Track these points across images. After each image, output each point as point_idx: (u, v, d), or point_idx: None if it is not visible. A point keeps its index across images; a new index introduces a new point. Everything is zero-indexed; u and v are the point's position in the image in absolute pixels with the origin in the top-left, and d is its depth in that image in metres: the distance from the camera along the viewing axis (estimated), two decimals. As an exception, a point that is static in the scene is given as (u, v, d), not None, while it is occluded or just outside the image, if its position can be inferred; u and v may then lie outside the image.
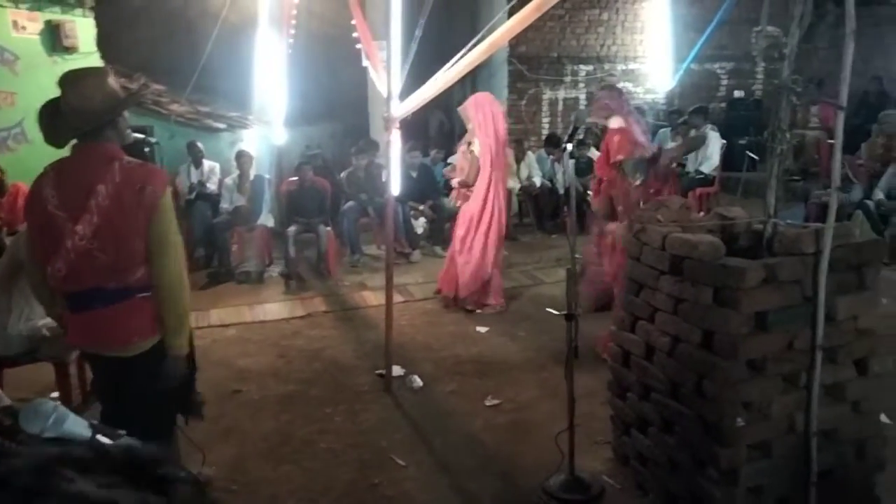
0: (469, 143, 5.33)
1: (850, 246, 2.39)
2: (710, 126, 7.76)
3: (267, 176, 7.13)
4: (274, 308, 5.55)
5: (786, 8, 2.49)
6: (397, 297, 5.39)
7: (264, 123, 7.57)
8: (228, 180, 6.89)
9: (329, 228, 6.50)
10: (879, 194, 5.95)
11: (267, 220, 6.76)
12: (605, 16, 9.49)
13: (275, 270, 6.51)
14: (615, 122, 4.21)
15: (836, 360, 2.40)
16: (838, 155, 2.31)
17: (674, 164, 5.03)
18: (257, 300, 5.75)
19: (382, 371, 4.04)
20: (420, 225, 7.33)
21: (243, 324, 5.21)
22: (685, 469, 2.50)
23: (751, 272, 2.27)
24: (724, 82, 9.90)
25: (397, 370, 4.10)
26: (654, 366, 2.67)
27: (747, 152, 7.86)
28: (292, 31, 6.80)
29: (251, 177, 6.88)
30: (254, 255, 6.51)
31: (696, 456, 2.44)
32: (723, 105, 9.68)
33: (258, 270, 6.38)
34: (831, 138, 2.42)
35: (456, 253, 5.30)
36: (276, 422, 3.62)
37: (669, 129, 8.20)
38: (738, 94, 9.56)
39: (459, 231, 5.29)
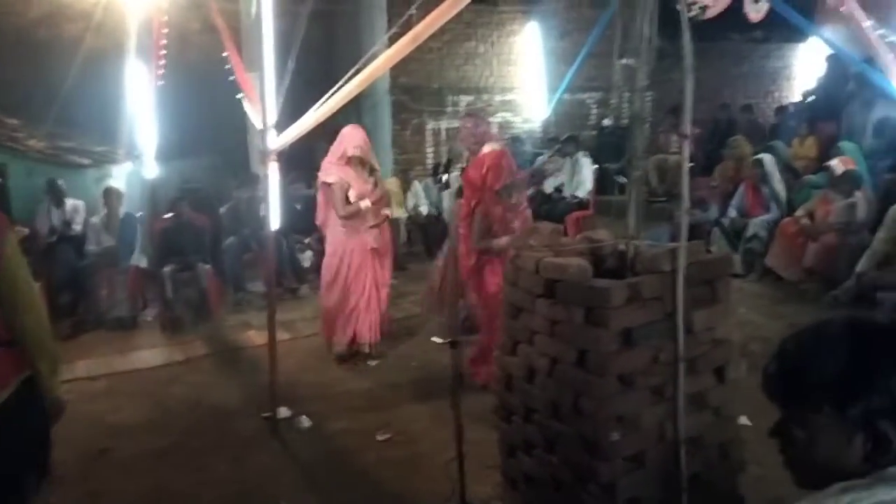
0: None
1: (702, 262, 2.59)
2: (582, 153, 8.21)
3: (138, 213, 6.74)
4: (149, 355, 5.22)
5: (640, 42, 2.69)
6: (283, 335, 5.24)
7: (135, 158, 7.18)
8: (95, 220, 6.46)
9: (209, 266, 6.23)
10: (732, 212, 6.50)
11: (139, 260, 6.37)
12: (481, 48, 9.85)
13: (150, 314, 6.13)
14: (488, 148, 4.27)
15: (697, 369, 2.57)
16: (686, 178, 2.51)
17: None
18: (130, 347, 5.38)
19: (269, 414, 3.89)
20: (307, 258, 7.18)
21: (114, 374, 4.85)
22: (568, 486, 2.57)
23: (616, 291, 2.39)
24: (594, 111, 10.53)
25: (284, 412, 3.96)
26: (535, 387, 2.74)
27: (616, 176, 8.36)
28: (162, 62, 6.52)
29: (121, 215, 6.48)
30: (125, 299, 6.10)
31: (577, 473, 2.52)
32: (593, 132, 10.27)
33: (131, 315, 5.98)
34: (691, 162, 2.66)
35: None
36: (152, 478, 3.38)
37: (545, 155, 8.60)
38: (606, 121, 10.18)
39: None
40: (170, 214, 6.43)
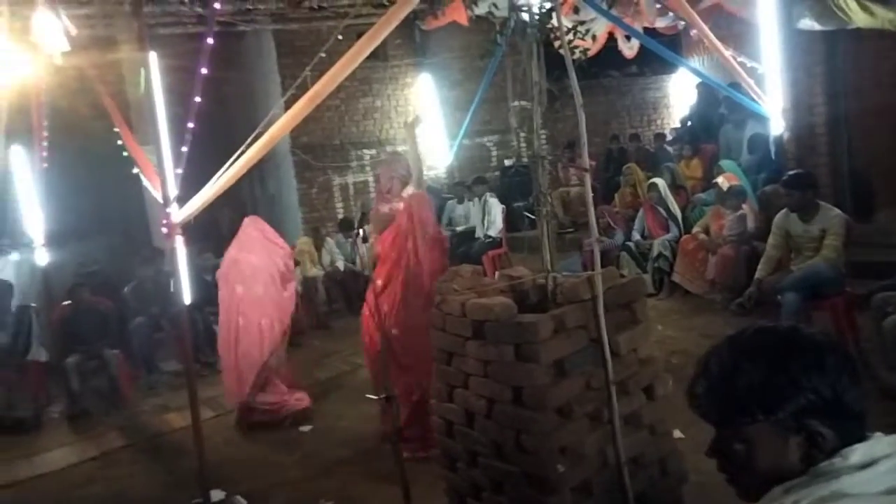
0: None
1: (617, 286, 2.70)
2: (489, 193, 8.44)
3: (33, 304, 6.29)
4: (58, 455, 4.79)
5: (530, 87, 2.84)
6: (207, 413, 4.96)
7: (23, 246, 6.74)
8: (-17, 317, 5.95)
9: (117, 351, 5.86)
10: (636, 235, 6.84)
11: (38, 354, 5.90)
12: (378, 103, 10.03)
13: (55, 411, 5.67)
14: (410, 191, 4.23)
15: (628, 390, 2.65)
16: (591, 210, 2.63)
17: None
18: (35, 450, 4.92)
19: (200, 500, 3.65)
20: (223, 330, 6.90)
21: (18, 483, 4.41)
22: (521, 526, 2.56)
23: (542, 325, 2.45)
24: (494, 153, 10.89)
25: (217, 495, 3.72)
26: (475, 430, 2.74)
27: (524, 213, 8.63)
28: (45, 144, 6.22)
29: (13, 308, 6.02)
30: (26, 398, 5.62)
31: (528, 511, 2.52)
32: (497, 173, 10.60)
33: (33, 414, 5.50)
34: (591, 192, 2.82)
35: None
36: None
37: (455, 200, 8.79)
38: (507, 162, 10.54)
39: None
40: (68, 301, 6.04)
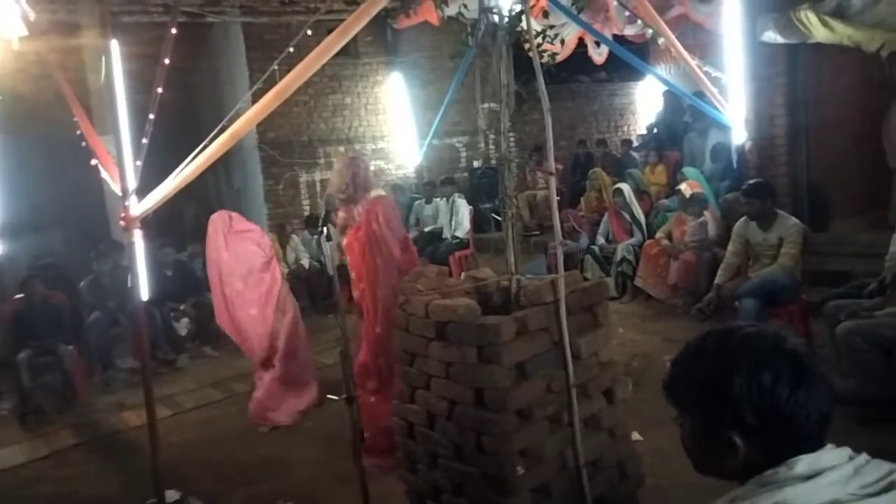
0: None
1: (580, 290, 2.72)
2: (457, 194, 8.45)
3: (-17, 298, 6.09)
4: (7, 454, 4.63)
5: (499, 89, 2.84)
6: (164, 412, 4.87)
7: (-26, 237, 6.49)
8: (-70, 310, 5.74)
9: (72, 346, 5.69)
10: (601, 239, 6.91)
11: (-12, 349, 5.72)
12: (347, 100, 9.95)
13: (4, 407, 5.49)
14: (374, 194, 4.17)
15: (589, 393, 2.67)
16: (556, 214, 2.64)
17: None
18: (-17, 448, 4.77)
19: (154, 500, 3.57)
20: (183, 326, 6.77)
21: (-36, 481, 4.27)
22: (480, 528, 2.55)
23: (505, 327, 2.45)
24: (463, 154, 10.90)
25: (172, 495, 3.64)
26: (436, 432, 2.73)
27: (492, 215, 8.66)
28: (1, 132, 6.02)
29: (-39, 301, 5.81)
30: (-27, 394, 5.44)
31: (487, 513, 2.52)
32: (465, 174, 10.61)
33: (-19, 411, 5.33)
34: (557, 196, 2.83)
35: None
36: None
37: (423, 199, 8.78)
38: (476, 163, 10.56)
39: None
40: (20, 294, 5.84)
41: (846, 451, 1.00)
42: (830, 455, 0.99)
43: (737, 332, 1.06)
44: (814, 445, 0.99)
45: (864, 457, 1.00)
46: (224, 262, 4.67)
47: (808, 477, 0.96)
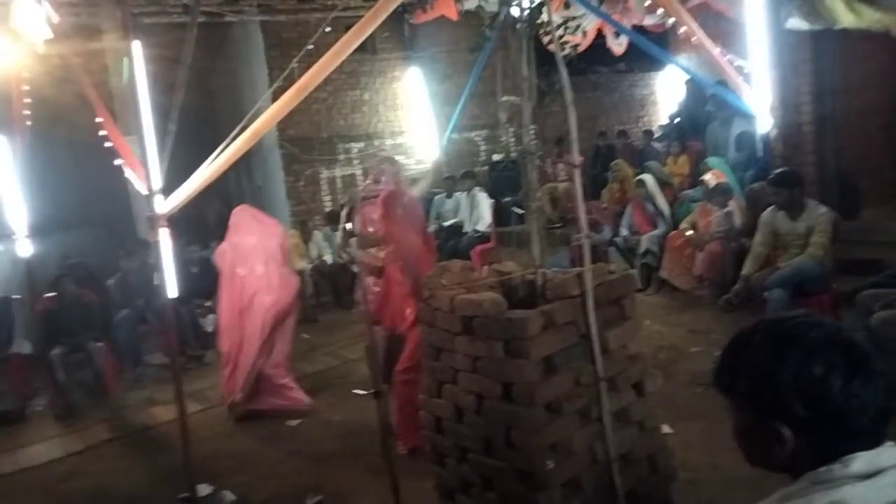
0: None
1: (607, 283, 2.70)
2: (478, 188, 8.44)
3: (16, 296, 6.20)
4: (42, 449, 4.74)
5: (520, 82, 2.82)
6: (193, 407, 4.93)
7: (5, 237, 6.62)
8: (-35, 309, 5.87)
9: (102, 344, 5.79)
10: (624, 231, 6.86)
11: (22, 346, 5.83)
12: (366, 96, 9.97)
13: (39, 403, 5.60)
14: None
15: (618, 387, 2.65)
16: (581, 206, 2.63)
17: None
18: (19, 443, 4.88)
19: (187, 494, 3.62)
20: (210, 322, 6.84)
21: (2, 476, 4.36)
22: (510, 522, 2.56)
23: (532, 321, 2.44)
24: (483, 148, 10.87)
25: (204, 489, 3.70)
26: (465, 426, 2.73)
27: (513, 208, 8.62)
28: (28, 134, 6.11)
29: (-5, 301, 5.94)
30: (9, 390, 5.55)
31: (517, 506, 2.52)
32: (485, 168, 10.58)
33: (17, 407, 5.44)
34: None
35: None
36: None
37: (444, 194, 8.77)
38: (496, 157, 10.52)
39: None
40: (52, 293, 5.96)
41: None
42: (890, 453, 0.94)
43: (789, 320, 1.02)
44: (871, 442, 0.95)
45: None
46: (249, 243, 4.77)
47: (867, 476, 0.92)
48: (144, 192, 3.67)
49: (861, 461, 0.93)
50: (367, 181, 4.38)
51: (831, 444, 0.95)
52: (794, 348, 0.98)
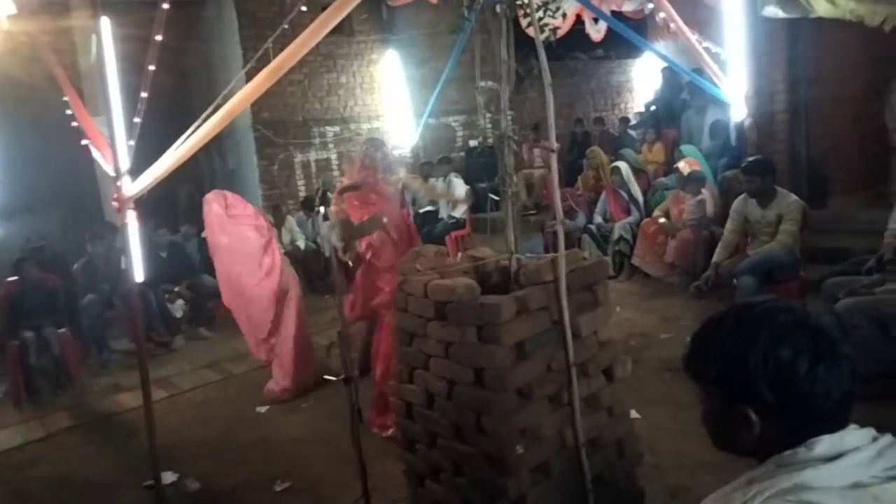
0: None
1: (580, 269, 2.69)
2: (454, 174, 8.39)
3: (-24, 280, 6.02)
4: (1, 436, 4.62)
5: (499, 66, 2.78)
6: (160, 393, 4.86)
7: (-35, 220, 6.43)
8: (-78, 292, 5.68)
9: (64, 329, 5.64)
10: (598, 218, 6.88)
11: (-19, 331, 5.68)
12: (343, 79, 9.83)
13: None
14: (399, 175, 4.20)
15: (588, 372, 2.65)
16: (557, 191, 2.60)
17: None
18: (-22, 430, 4.76)
19: (151, 482, 3.56)
20: (178, 308, 6.73)
21: (-40, 464, 4.25)
22: (479, 507, 2.55)
23: (505, 307, 2.42)
24: (460, 133, 10.81)
25: (169, 476, 3.64)
26: (435, 412, 2.71)
27: (489, 194, 8.60)
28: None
29: (-46, 284, 5.76)
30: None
31: (486, 492, 2.51)
32: (462, 154, 10.53)
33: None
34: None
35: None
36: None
37: (420, 179, 8.71)
38: (472, 143, 10.48)
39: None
40: (14, 277, 5.79)
41: (870, 432, 0.96)
42: (853, 436, 0.95)
43: (759, 305, 1.02)
44: (835, 425, 0.96)
45: (888, 438, 0.96)
46: (223, 246, 4.65)
47: (830, 458, 0.92)
48: (112, 173, 3.57)
49: (825, 444, 0.94)
50: (354, 166, 4.25)
51: (798, 427, 0.96)
52: (762, 332, 0.98)
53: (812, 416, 0.96)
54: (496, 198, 8.78)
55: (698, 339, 1.06)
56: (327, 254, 7.54)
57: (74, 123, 4.78)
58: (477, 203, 8.60)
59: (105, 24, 3.49)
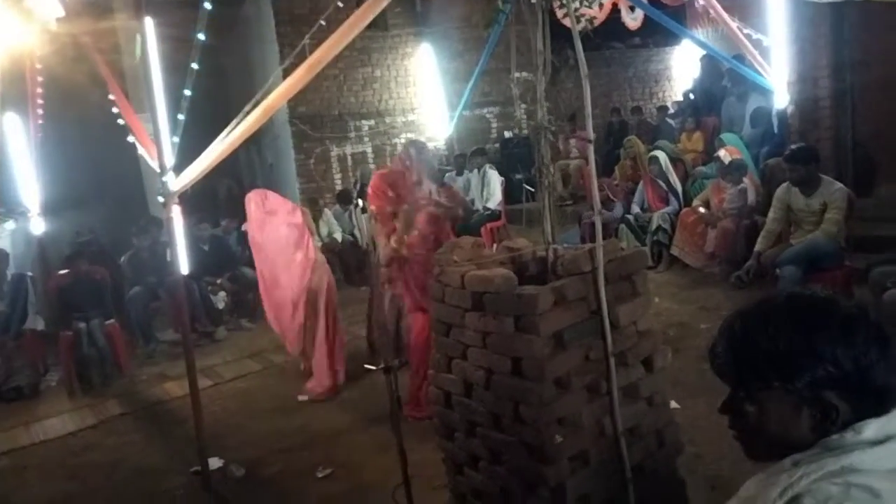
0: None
1: (618, 259, 2.68)
2: (489, 165, 8.39)
3: (29, 273, 6.27)
4: (56, 423, 4.82)
5: (532, 57, 2.78)
6: (205, 382, 5.00)
7: (19, 215, 6.69)
8: (-20, 285, 5.95)
9: (112, 321, 5.83)
10: (636, 208, 6.80)
11: (35, 322, 5.91)
12: (377, 73, 9.90)
13: (53, 379, 5.69)
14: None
15: (627, 362, 2.64)
16: (594, 182, 2.60)
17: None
18: (34, 417, 4.96)
19: (198, 468, 3.68)
20: (221, 299, 6.90)
21: (18, 449, 4.44)
22: (518, 495, 2.57)
23: (542, 297, 2.43)
24: (494, 125, 10.79)
25: (215, 462, 3.76)
26: (474, 401, 2.74)
27: (524, 185, 8.58)
28: (41, 112, 6.14)
29: (8, 277, 6.00)
30: (23, 366, 5.64)
31: (525, 480, 2.53)
32: (496, 145, 10.51)
33: (31, 382, 5.52)
34: None
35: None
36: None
37: (454, 171, 8.73)
38: (507, 134, 10.45)
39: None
40: (65, 271, 6.01)
41: None
42: None
43: (812, 296, 1.01)
44: (882, 411, 0.96)
45: None
46: (259, 244, 4.77)
47: (877, 442, 0.92)
48: (156, 169, 3.68)
49: (872, 428, 0.94)
50: (393, 163, 4.27)
51: (865, 411, 0.95)
52: (832, 319, 0.97)
53: (865, 404, 0.96)
54: (532, 189, 8.79)
55: (750, 338, 1.00)
56: (364, 246, 7.66)
57: (120, 121, 4.94)
58: (512, 194, 8.59)
59: (149, 24, 3.59)
